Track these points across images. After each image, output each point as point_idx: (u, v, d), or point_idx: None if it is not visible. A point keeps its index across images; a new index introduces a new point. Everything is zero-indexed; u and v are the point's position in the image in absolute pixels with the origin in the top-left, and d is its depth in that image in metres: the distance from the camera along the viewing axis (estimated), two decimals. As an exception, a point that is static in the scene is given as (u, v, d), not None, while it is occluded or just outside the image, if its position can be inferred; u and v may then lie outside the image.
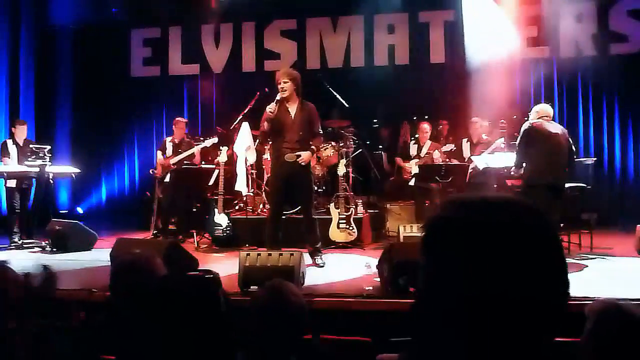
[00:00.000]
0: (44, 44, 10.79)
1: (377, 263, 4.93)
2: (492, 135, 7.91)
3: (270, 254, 4.82)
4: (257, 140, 8.01)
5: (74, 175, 8.54)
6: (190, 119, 9.05)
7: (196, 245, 7.41)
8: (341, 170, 7.34)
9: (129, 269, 2.58)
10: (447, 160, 7.69)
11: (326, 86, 7.72)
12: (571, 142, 6.05)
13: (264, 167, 8.11)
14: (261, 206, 7.99)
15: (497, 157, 7.25)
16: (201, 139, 8.54)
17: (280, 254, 4.78)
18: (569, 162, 6.00)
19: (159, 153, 8.43)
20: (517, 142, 5.98)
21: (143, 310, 1.66)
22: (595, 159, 8.08)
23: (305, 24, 10.26)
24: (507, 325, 0.83)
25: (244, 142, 7.90)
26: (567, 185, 6.45)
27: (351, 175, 8.07)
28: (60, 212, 10.36)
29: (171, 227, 8.16)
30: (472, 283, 0.83)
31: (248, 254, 4.77)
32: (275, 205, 6.13)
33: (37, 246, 7.59)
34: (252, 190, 8.19)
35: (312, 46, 10.18)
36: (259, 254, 4.81)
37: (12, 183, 7.96)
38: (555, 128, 5.92)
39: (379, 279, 4.82)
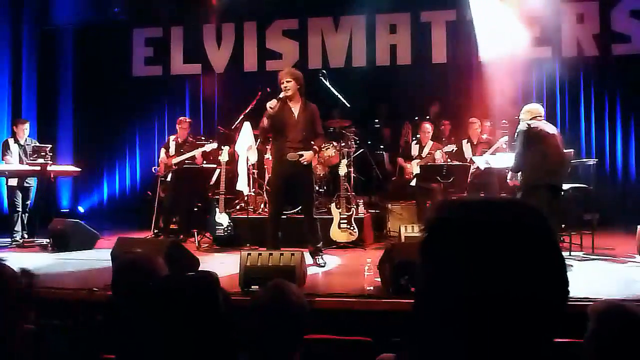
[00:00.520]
0: (46, 44, 10.82)
1: (378, 263, 4.92)
2: (494, 136, 7.90)
3: (271, 254, 4.81)
4: (259, 140, 8.02)
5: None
6: (192, 119, 9.05)
7: (197, 244, 7.41)
8: (342, 170, 7.34)
9: (130, 269, 2.58)
10: (449, 160, 7.69)
11: (328, 86, 7.71)
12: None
13: (265, 166, 8.11)
14: (262, 206, 7.99)
15: (499, 157, 7.25)
16: (202, 138, 8.55)
17: (281, 254, 4.77)
18: (564, 162, 6.01)
19: (163, 151, 8.43)
20: (515, 145, 5.96)
21: (144, 309, 1.66)
22: (597, 159, 8.06)
23: (306, 24, 10.27)
24: (507, 326, 0.83)
25: (246, 142, 7.90)
26: (569, 185, 6.45)
27: (352, 175, 8.07)
28: (62, 211, 10.39)
29: (172, 226, 8.17)
30: (471, 283, 0.83)
31: (249, 254, 4.77)
32: (276, 204, 6.12)
33: (38, 245, 7.61)
34: (254, 190, 8.19)
35: (314, 46, 10.18)
36: (260, 254, 4.81)
37: (13, 182, 7.99)
38: (551, 129, 5.92)
39: (379, 279, 4.82)
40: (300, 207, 6.64)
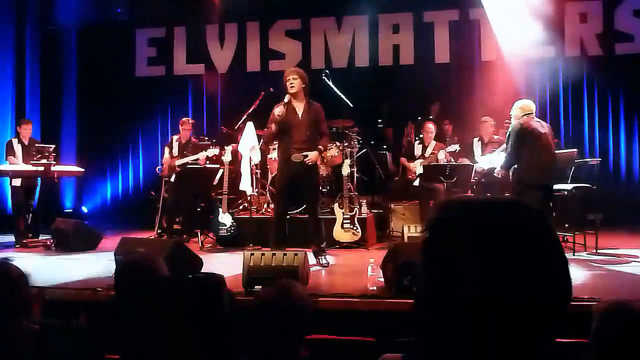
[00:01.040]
0: (49, 45, 10.84)
1: (381, 263, 4.92)
2: (498, 135, 7.88)
3: (274, 254, 4.81)
4: (262, 140, 8.02)
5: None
6: (195, 119, 9.06)
7: (200, 244, 7.42)
8: (345, 170, 7.34)
9: (134, 269, 2.58)
10: (452, 160, 7.67)
11: (330, 86, 7.71)
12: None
13: (268, 166, 8.12)
14: (265, 206, 8.00)
15: (501, 158, 7.23)
16: (205, 139, 8.54)
17: (285, 254, 4.77)
18: (555, 161, 6.01)
19: (167, 150, 8.43)
20: (509, 143, 5.95)
21: (147, 309, 1.66)
22: (600, 159, 8.04)
23: (309, 24, 10.27)
24: (507, 326, 0.83)
25: (249, 142, 7.90)
26: (572, 185, 6.43)
27: (355, 175, 8.06)
28: (65, 211, 10.41)
29: (176, 226, 8.17)
30: (472, 283, 0.83)
31: (252, 254, 4.77)
32: (281, 204, 6.13)
33: (42, 245, 7.62)
34: (257, 190, 8.20)
35: (317, 46, 10.18)
36: (263, 254, 4.81)
37: (17, 182, 8.00)
38: (543, 127, 5.90)
39: (383, 279, 4.81)
40: (304, 207, 6.64)
